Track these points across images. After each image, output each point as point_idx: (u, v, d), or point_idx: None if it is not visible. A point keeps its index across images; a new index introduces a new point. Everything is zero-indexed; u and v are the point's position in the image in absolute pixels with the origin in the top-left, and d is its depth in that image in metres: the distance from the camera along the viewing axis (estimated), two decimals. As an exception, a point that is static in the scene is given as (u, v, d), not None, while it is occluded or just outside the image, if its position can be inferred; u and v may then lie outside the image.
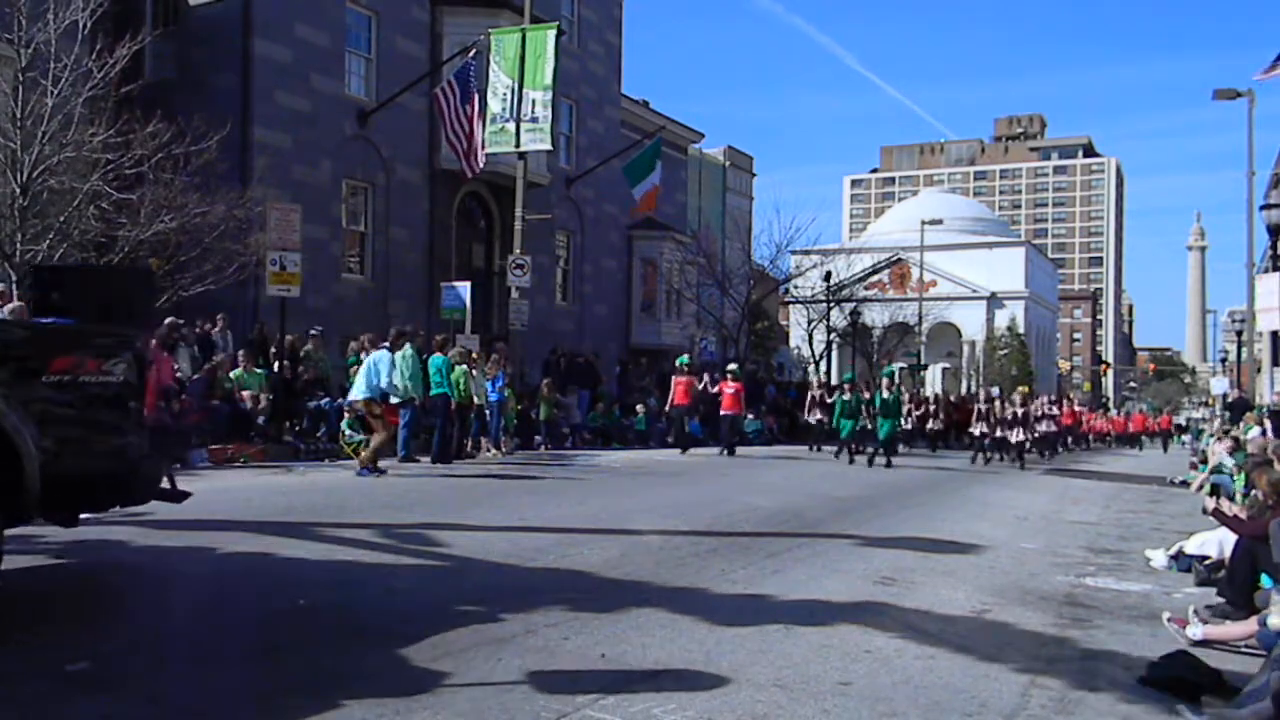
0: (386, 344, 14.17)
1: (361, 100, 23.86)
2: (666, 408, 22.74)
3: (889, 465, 19.38)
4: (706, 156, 46.30)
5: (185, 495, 6.49)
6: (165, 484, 6.26)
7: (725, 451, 20.12)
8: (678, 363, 22.42)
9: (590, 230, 31.96)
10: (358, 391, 13.60)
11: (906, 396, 25.49)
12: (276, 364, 16.59)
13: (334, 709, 3.87)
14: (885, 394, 20.88)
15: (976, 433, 23.62)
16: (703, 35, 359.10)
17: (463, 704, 4.02)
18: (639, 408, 25.42)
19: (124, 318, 5.59)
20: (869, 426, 20.74)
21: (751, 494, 12.72)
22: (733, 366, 23.07)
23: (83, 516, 6.81)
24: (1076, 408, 39.83)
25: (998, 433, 23.17)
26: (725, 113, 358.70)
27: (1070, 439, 35.36)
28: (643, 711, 4.07)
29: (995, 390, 28.77)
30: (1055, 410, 26.79)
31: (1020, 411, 23.21)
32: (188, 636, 4.89)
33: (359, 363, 17.04)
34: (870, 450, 20.18)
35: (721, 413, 21.20)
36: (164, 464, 6.37)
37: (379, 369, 13.37)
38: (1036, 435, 24.30)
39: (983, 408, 24.06)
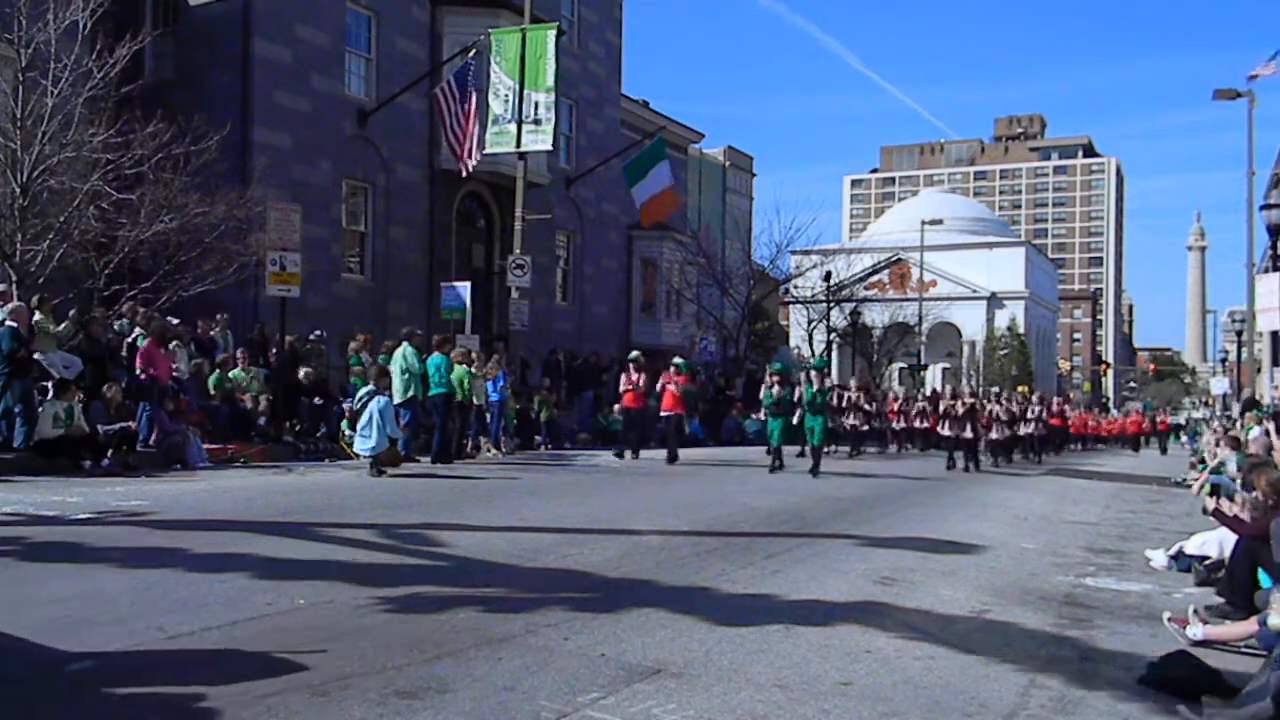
0: (374, 386, 13.65)
1: (361, 100, 23.85)
2: (653, 407, 18.96)
3: (815, 473, 15.95)
4: (706, 156, 46.34)
5: None
6: None
7: (669, 459, 17.14)
8: (628, 358, 19.41)
9: (590, 230, 31.96)
10: (371, 447, 12.78)
11: (848, 393, 23.47)
12: (276, 364, 16.60)
13: (335, 708, 3.88)
14: (815, 388, 17.33)
15: (946, 433, 21.31)
16: (703, 35, 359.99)
17: (463, 704, 4.02)
18: (615, 407, 24.75)
19: None
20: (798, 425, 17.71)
21: (751, 494, 12.73)
22: (678, 360, 19.91)
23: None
24: (1060, 408, 36.04)
25: (965, 432, 20.59)
26: (725, 113, 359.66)
27: (1058, 443, 32.23)
28: (642, 711, 4.08)
29: (994, 389, 28.03)
30: (1014, 410, 23.76)
31: (969, 405, 20.73)
32: (187, 636, 4.88)
33: (360, 363, 17.09)
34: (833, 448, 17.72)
35: (661, 412, 18.20)
36: None
37: (386, 418, 12.84)
38: (1006, 436, 22.09)
39: (948, 404, 21.88)
